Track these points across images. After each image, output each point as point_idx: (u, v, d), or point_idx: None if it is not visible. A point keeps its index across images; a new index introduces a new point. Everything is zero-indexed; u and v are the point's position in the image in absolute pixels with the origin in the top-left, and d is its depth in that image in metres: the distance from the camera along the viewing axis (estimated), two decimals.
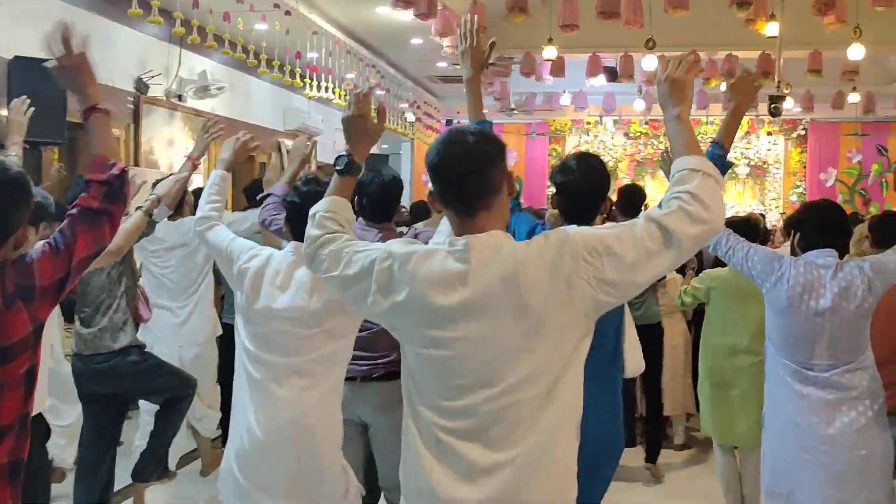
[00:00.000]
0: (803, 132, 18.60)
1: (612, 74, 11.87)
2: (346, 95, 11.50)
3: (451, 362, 2.07)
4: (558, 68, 11.18)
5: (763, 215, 15.25)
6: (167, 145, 9.55)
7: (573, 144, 19.57)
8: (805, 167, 18.76)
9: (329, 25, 10.35)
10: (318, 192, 2.95)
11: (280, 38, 8.99)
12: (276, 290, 3.08)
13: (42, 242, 2.25)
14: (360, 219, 3.94)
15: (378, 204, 3.96)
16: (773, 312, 3.63)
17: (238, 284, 3.19)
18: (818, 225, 3.61)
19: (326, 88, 10.65)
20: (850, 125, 17.99)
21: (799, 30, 9.97)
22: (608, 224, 2.21)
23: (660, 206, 2.12)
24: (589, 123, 19.06)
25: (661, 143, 19.16)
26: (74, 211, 2.24)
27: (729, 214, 16.79)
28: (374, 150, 10.95)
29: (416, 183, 19.09)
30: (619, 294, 2.06)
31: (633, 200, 6.01)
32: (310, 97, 10.84)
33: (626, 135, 19.26)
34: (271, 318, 3.07)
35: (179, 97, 9.63)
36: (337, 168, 2.42)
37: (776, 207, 18.49)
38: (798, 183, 18.78)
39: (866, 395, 3.47)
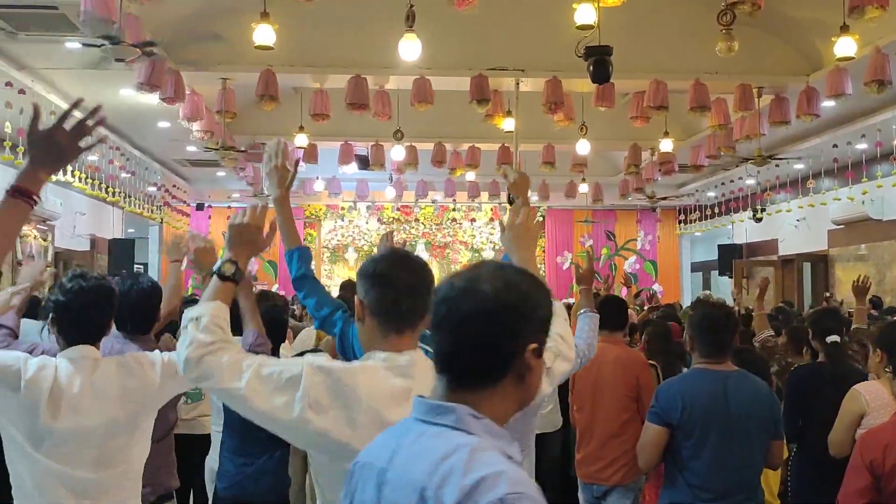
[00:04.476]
0: (541, 218, 19.92)
1: (364, 162, 12.18)
2: (86, 178, 10.97)
3: None
4: (311, 155, 11.32)
5: None
6: None
7: (328, 228, 19.76)
8: (544, 251, 20.05)
9: (68, 105, 9.89)
10: (83, 289, 2.76)
11: (13, 118, 8.47)
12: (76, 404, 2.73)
13: None
14: (115, 331, 3.63)
15: (139, 313, 3.65)
16: None
17: (27, 400, 2.72)
18: None
19: (65, 171, 10.11)
20: (582, 212, 19.55)
21: (533, 126, 10.76)
22: None
23: None
24: (343, 209, 19.36)
25: (413, 227, 19.84)
26: None
27: None
28: (118, 234, 10.44)
29: (163, 268, 18.39)
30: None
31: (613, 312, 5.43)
32: (49, 180, 10.22)
33: (379, 220, 19.74)
34: (79, 435, 2.73)
35: None
36: (223, 274, 2.27)
37: None
38: (539, 265, 19.99)
39: None
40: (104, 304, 2.86)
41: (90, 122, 2.18)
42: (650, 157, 12.83)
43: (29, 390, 2.65)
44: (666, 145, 11.16)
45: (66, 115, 2.14)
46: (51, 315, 2.88)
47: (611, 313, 5.23)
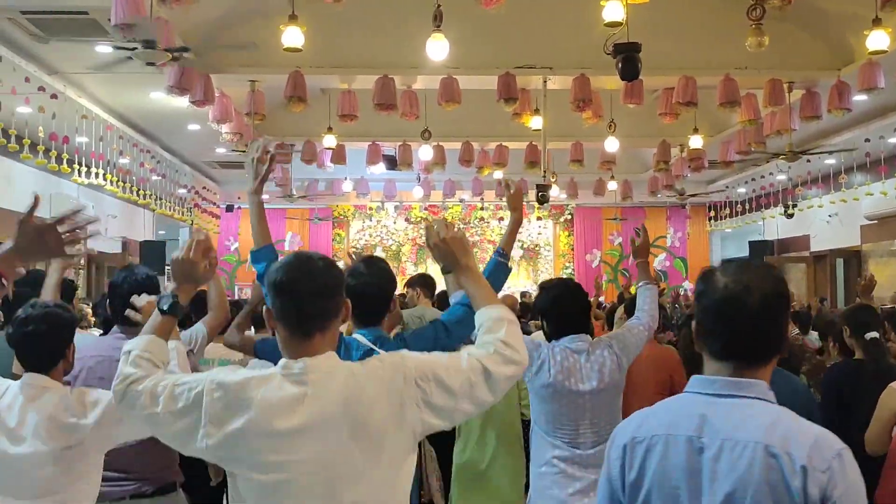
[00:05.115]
0: (570, 217, 19.86)
1: (392, 162, 12.21)
2: (118, 181, 11.10)
3: (289, 486, 2.04)
4: (339, 156, 11.36)
5: (527, 292, 16.08)
6: None
7: (357, 229, 19.83)
8: (573, 249, 19.98)
9: (100, 109, 10.01)
10: (31, 318, 2.83)
11: (46, 122, 8.58)
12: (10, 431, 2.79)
13: None
14: (115, 327, 3.68)
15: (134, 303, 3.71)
16: (537, 398, 3.81)
17: None
18: (562, 318, 3.85)
19: (97, 174, 10.23)
20: (611, 210, 19.45)
21: (561, 123, 10.73)
22: (435, 353, 2.30)
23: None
24: (371, 209, 19.40)
25: None
26: None
27: (504, 293, 17.24)
28: (149, 236, 10.58)
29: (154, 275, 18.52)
30: (448, 418, 2.17)
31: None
32: (79, 183, 10.36)
33: (407, 220, 19.77)
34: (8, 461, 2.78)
35: None
36: (161, 308, 2.34)
37: None
38: (567, 264, 19.95)
39: None
40: (54, 333, 2.91)
41: (82, 234, 2.23)
42: (679, 154, 12.74)
43: None
44: (696, 142, 11.08)
45: (63, 219, 2.19)
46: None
47: None
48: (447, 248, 2.44)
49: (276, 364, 2.14)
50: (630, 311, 5.30)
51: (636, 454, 1.91)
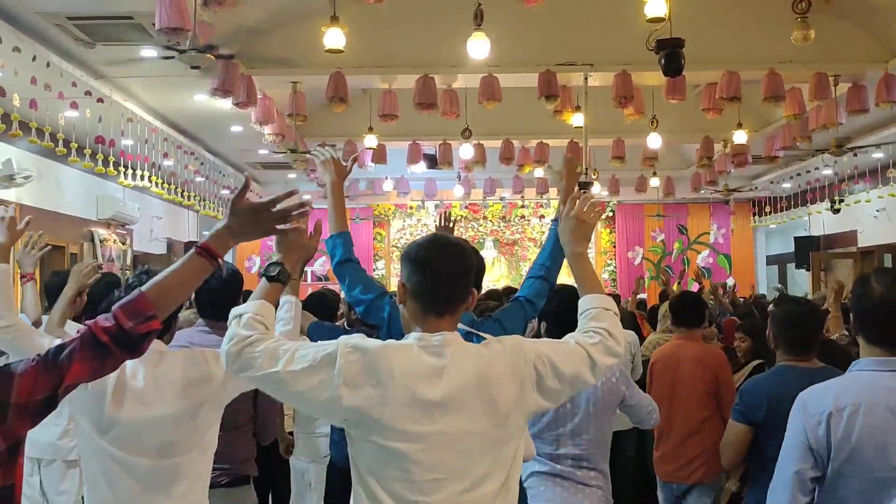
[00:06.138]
0: (611, 214, 19.72)
1: (432, 161, 12.21)
2: (162, 182, 11.24)
3: (424, 455, 2.09)
4: (380, 156, 11.40)
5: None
6: None
7: (397, 228, 19.89)
8: (614, 246, 19.84)
9: (144, 112, 10.15)
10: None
11: (92, 126, 8.72)
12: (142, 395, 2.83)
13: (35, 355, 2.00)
14: (200, 321, 3.77)
15: (220, 300, 3.76)
16: None
17: (95, 390, 2.82)
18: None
19: (142, 176, 10.37)
20: (653, 207, 19.29)
21: (602, 120, 10.66)
22: (546, 340, 2.39)
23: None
24: (411, 208, 19.44)
25: (481, 226, 19.84)
26: (85, 332, 2.01)
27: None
28: (193, 237, 10.71)
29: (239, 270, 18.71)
30: (553, 400, 2.29)
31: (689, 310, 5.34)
32: (124, 185, 10.51)
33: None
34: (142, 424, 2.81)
35: None
36: (268, 275, 2.38)
37: None
38: (609, 261, 19.82)
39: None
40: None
41: (295, 213, 2.29)
42: (722, 149, 12.59)
43: (96, 381, 2.73)
44: (740, 137, 10.93)
45: (278, 199, 2.26)
46: None
47: (687, 310, 5.17)
48: (577, 226, 2.52)
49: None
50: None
51: (842, 418, 2.49)
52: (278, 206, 2.26)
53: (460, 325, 2.99)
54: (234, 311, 2.29)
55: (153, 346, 2.81)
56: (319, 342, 2.19)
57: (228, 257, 19.48)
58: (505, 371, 2.17)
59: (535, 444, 3.65)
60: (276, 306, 2.41)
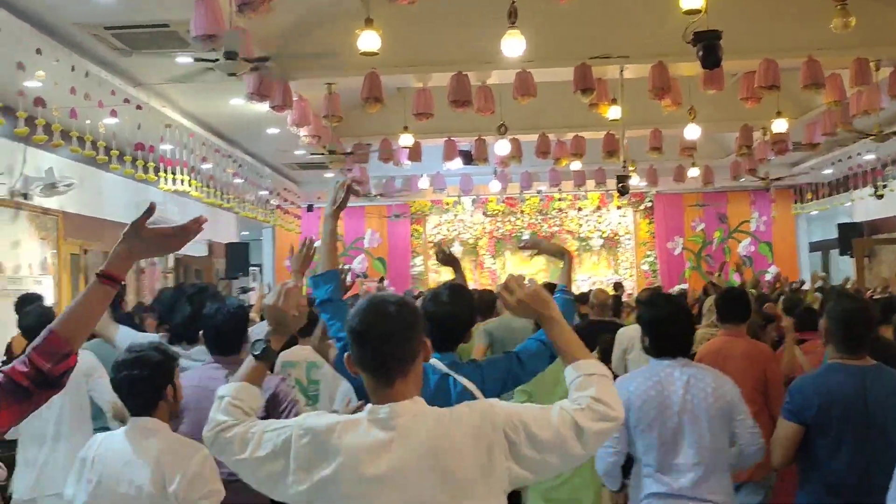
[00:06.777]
0: (650, 204, 19.57)
1: (468, 157, 12.19)
2: (202, 186, 11.34)
3: None
4: (415, 154, 11.40)
5: (620, 283, 15.87)
6: (12, 246, 9.13)
7: (434, 224, 19.92)
8: (654, 237, 19.69)
9: (182, 118, 10.25)
10: (126, 363, 3.04)
11: (131, 132, 8.83)
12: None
13: None
14: (209, 356, 3.81)
15: (226, 336, 3.81)
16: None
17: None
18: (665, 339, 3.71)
19: (182, 181, 10.48)
20: (692, 196, 19.09)
21: (639, 112, 10.56)
22: (526, 405, 2.25)
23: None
24: (448, 204, 19.45)
25: (518, 220, 19.79)
26: (3, 379, 2.02)
27: (586, 286, 17.08)
28: (233, 238, 10.80)
29: (277, 269, 18.88)
30: (535, 472, 2.13)
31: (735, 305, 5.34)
32: (165, 190, 10.63)
33: (484, 213, 19.78)
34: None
35: (25, 195, 9.27)
36: (253, 353, 2.37)
37: (630, 276, 19.32)
38: (648, 252, 19.67)
39: None
40: (148, 377, 3.01)
41: (192, 230, 2.28)
42: (762, 137, 12.41)
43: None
44: (779, 125, 10.76)
45: (188, 229, 2.28)
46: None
47: (732, 306, 5.11)
48: (528, 306, 2.41)
49: (351, 381, 2.16)
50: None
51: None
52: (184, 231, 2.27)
53: (438, 364, 3.01)
54: (219, 391, 2.32)
55: (141, 425, 3.00)
56: (283, 423, 2.20)
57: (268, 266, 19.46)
58: (465, 438, 2.06)
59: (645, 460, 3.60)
60: (260, 386, 2.37)
